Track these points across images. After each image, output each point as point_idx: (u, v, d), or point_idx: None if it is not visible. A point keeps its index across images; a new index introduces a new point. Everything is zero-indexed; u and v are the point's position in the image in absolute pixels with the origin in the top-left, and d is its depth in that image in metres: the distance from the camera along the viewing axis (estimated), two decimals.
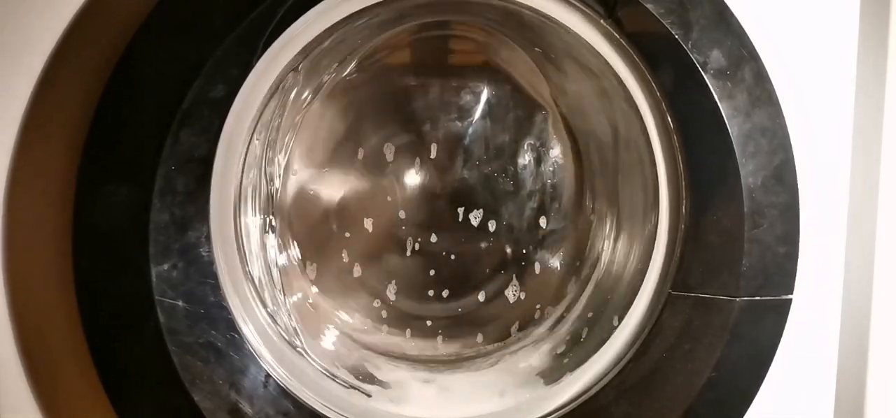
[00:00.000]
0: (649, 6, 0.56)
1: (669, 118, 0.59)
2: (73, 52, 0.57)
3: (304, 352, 0.67)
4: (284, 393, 0.63)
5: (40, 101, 0.57)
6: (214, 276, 0.62)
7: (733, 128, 0.57)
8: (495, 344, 0.75)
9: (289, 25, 0.60)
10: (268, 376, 0.63)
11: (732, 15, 0.57)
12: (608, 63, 0.61)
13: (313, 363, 0.67)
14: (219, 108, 0.59)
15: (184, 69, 0.57)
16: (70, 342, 0.60)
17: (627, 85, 0.61)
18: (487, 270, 0.77)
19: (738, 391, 0.60)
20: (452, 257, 0.76)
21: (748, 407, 0.60)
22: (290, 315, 0.70)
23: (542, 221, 0.76)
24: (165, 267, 0.59)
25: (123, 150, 0.57)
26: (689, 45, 0.56)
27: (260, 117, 0.64)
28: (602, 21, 0.60)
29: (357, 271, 0.76)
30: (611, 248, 0.72)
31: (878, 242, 0.63)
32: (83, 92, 0.57)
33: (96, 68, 0.57)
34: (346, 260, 0.76)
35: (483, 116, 0.75)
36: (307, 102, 0.73)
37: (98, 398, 0.59)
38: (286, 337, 0.66)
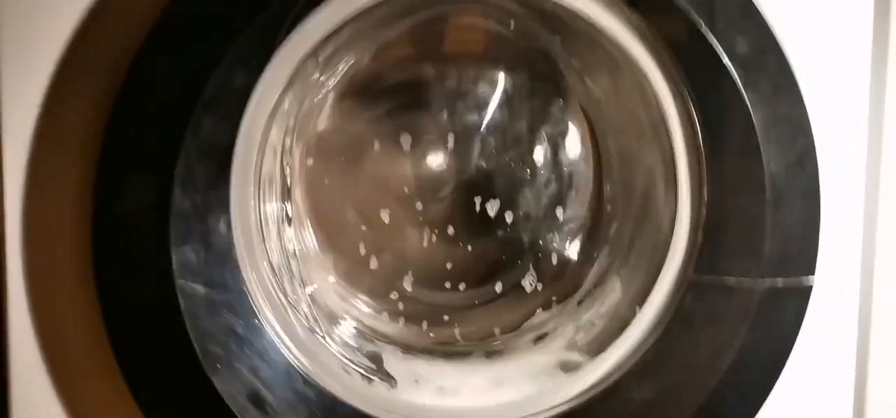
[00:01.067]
0: None
1: (692, 105, 0.60)
2: (90, 44, 0.57)
3: (323, 341, 0.67)
4: (305, 380, 0.63)
5: (56, 94, 0.57)
6: (235, 264, 0.61)
7: (757, 115, 0.57)
8: (513, 334, 0.75)
9: (308, 14, 0.59)
10: (289, 363, 0.62)
11: (755, 3, 0.57)
12: (628, 50, 0.61)
13: (332, 352, 0.67)
14: (239, 97, 0.59)
15: (204, 58, 0.56)
16: (90, 330, 0.59)
17: (648, 72, 0.61)
18: (504, 261, 0.77)
19: (761, 374, 0.61)
20: (469, 248, 0.76)
21: (771, 389, 0.61)
22: (308, 304, 0.69)
23: (559, 211, 0.76)
24: (186, 253, 0.58)
25: (144, 139, 0.57)
26: (715, 33, 0.56)
27: (278, 106, 0.63)
28: (624, 9, 0.60)
29: (373, 263, 0.75)
30: (629, 235, 0.72)
31: (879, 231, 0.64)
32: (99, 85, 0.57)
33: (113, 59, 0.56)
34: (362, 252, 0.75)
35: (500, 106, 0.75)
36: (324, 91, 0.73)
37: (117, 384, 0.59)
38: (306, 325, 0.66)
